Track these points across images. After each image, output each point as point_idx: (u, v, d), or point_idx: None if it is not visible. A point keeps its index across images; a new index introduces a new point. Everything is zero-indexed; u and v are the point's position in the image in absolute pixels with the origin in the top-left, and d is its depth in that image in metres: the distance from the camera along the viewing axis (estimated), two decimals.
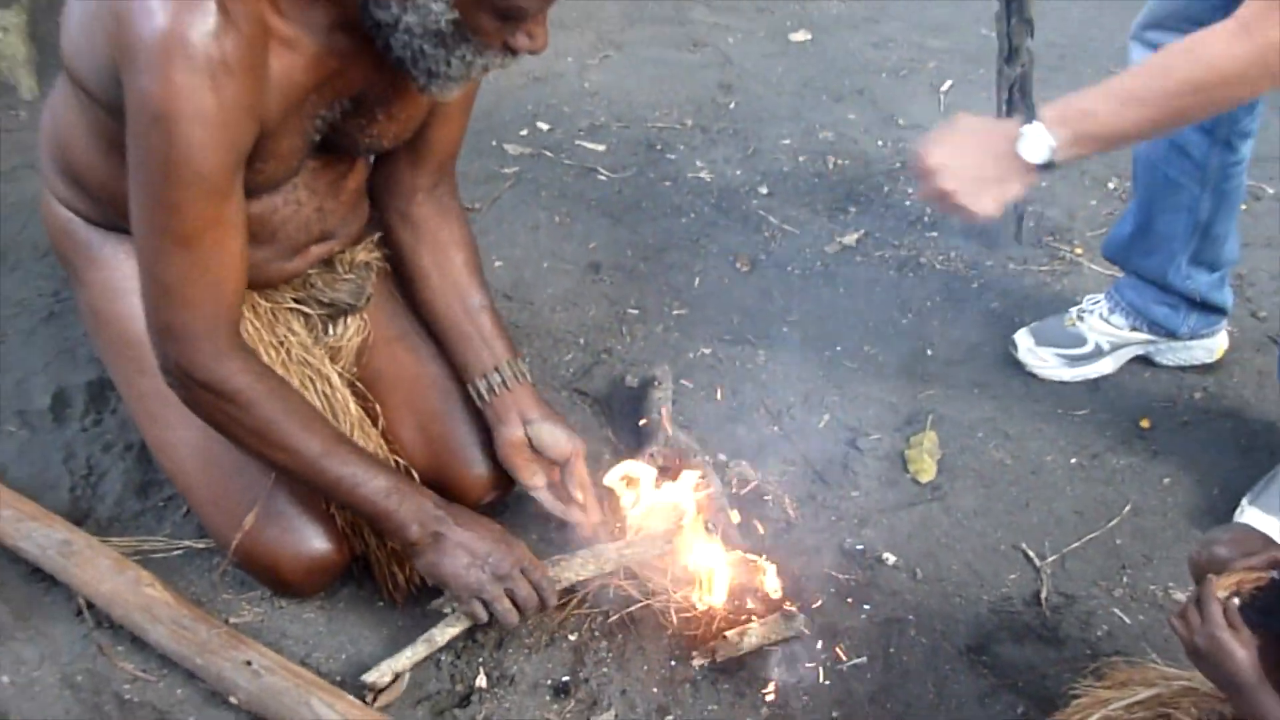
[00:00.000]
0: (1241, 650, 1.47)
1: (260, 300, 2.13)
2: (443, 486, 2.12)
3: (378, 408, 2.18)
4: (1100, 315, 2.61)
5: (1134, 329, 2.59)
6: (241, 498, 2.00)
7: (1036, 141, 1.77)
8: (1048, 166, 1.79)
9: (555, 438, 2.15)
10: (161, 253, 1.76)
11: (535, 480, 2.14)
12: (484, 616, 1.89)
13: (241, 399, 1.83)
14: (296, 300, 2.15)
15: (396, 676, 1.92)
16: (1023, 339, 2.64)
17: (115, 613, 2.00)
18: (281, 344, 2.10)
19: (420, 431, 2.19)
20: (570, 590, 2.04)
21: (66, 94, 1.97)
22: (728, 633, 1.97)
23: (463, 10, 1.67)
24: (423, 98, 1.93)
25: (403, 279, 2.26)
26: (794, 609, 2.02)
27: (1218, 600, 1.50)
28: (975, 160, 1.85)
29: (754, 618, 2.01)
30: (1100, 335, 2.61)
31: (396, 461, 2.11)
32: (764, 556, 2.11)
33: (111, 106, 1.78)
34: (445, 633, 1.96)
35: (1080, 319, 2.63)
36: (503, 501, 2.26)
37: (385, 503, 1.88)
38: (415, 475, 2.10)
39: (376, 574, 2.11)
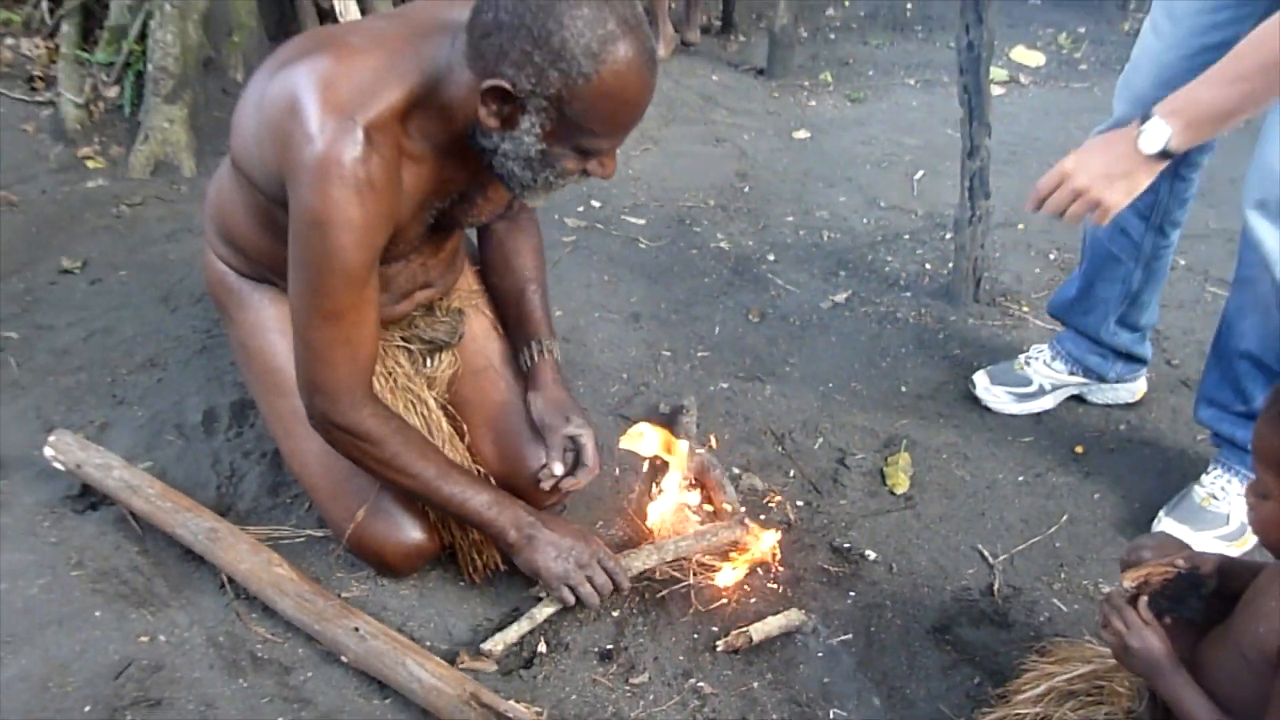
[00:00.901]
0: (1157, 642, 1.47)
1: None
2: (514, 493, 2.12)
3: (464, 427, 2.20)
4: (1044, 361, 2.62)
5: (1071, 373, 2.60)
6: (354, 497, 2.04)
7: (1154, 134, 1.76)
8: (1166, 155, 1.77)
9: (538, 409, 2.16)
10: (312, 325, 1.81)
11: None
12: (571, 600, 1.92)
13: (372, 438, 1.88)
14: (403, 338, 2.18)
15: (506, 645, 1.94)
16: (980, 379, 2.65)
17: (250, 587, 2.02)
18: (390, 374, 2.14)
19: (496, 447, 2.20)
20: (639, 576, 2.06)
21: (231, 179, 2.01)
22: (749, 628, 1.97)
23: (549, 145, 1.71)
24: None
25: (484, 270, 2.31)
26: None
27: (1128, 608, 1.49)
28: (1103, 159, 1.84)
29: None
30: (1043, 377, 2.62)
31: (479, 471, 2.13)
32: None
33: (273, 197, 1.84)
34: (543, 611, 1.98)
35: (1027, 364, 2.64)
36: (562, 504, 2.28)
37: (488, 513, 1.92)
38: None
39: (460, 559, 2.12)
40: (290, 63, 1.76)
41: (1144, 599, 1.52)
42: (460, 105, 1.72)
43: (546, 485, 2.11)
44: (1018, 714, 1.71)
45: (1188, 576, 1.53)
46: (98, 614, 2.03)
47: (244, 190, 1.96)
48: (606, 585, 1.94)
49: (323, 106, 1.68)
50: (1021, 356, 2.68)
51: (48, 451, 2.22)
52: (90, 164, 3.78)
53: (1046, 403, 2.64)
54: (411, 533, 2.04)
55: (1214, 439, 2.36)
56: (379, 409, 1.91)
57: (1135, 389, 2.66)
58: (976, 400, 2.63)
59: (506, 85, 1.63)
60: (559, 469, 2.09)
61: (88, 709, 1.86)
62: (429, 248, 2.09)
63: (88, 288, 3.05)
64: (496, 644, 1.92)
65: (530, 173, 1.77)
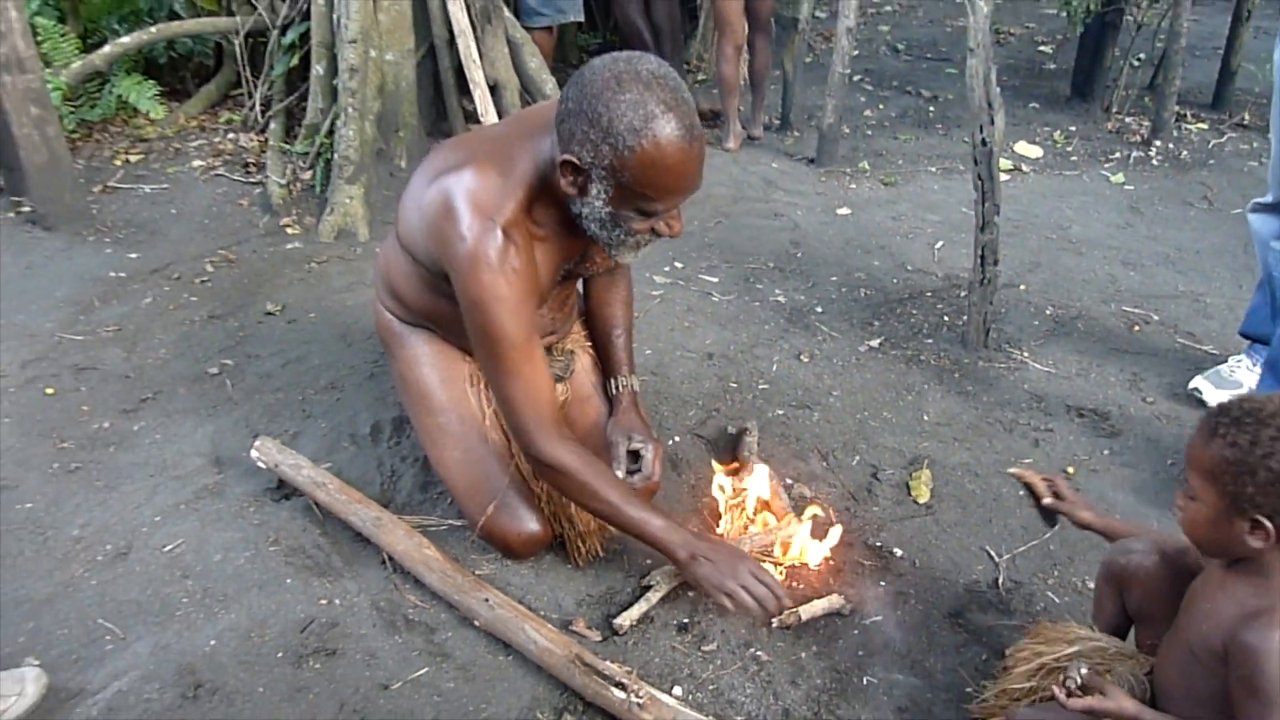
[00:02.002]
0: (1117, 703, 1.39)
1: None
2: None
3: None
4: (1246, 367, 2.64)
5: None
6: (485, 495, 2.06)
7: None
8: None
9: (611, 429, 2.17)
10: (499, 384, 1.88)
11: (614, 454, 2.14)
12: (729, 606, 1.83)
13: (569, 470, 1.87)
14: None
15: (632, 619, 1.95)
16: (1204, 386, 2.66)
17: (406, 564, 2.05)
18: None
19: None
20: None
21: (397, 253, 2.07)
22: (798, 609, 1.95)
23: (615, 208, 1.73)
24: None
25: (585, 316, 2.32)
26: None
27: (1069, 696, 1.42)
28: None
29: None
30: (1250, 380, 2.62)
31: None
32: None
33: (434, 271, 1.92)
34: (657, 594, 1.98)
35: (1233, 371, 2.65)
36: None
37: (663, 535, 1.88)
38: None
39: (568, 547, 2.12)
40: (443, 173, 1.82)
41: (1083, 671, 1.44)
42: (560, 186, 1.76)
43: None
44: (1014, 687, 1.67)
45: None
46: (288, 581, 2.07)
47: (408, 263, 2.02)
48: (766, 596, 1.83)
49: (470, 212, 1.76)
50: (1224, 367, 2.67)
51: (253, 454, 2.28)
52: (289, 231, 3.88)
53: None
54: (531, 524, 2.05)
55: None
56: (573, 445, 1.89)
57: None
58: (987, 427, 2.58)
59: (574, 159, 1.68)
60: (619, 473, 2.08)
61: (280, 655, 1.89)
62: (555, 302, 2.12)
63: (285, 326, 3.12)
64: (625, 619, 1.93)
65: (606, 232, 1.79)
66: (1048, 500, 1.76)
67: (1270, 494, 1.26)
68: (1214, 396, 2.60)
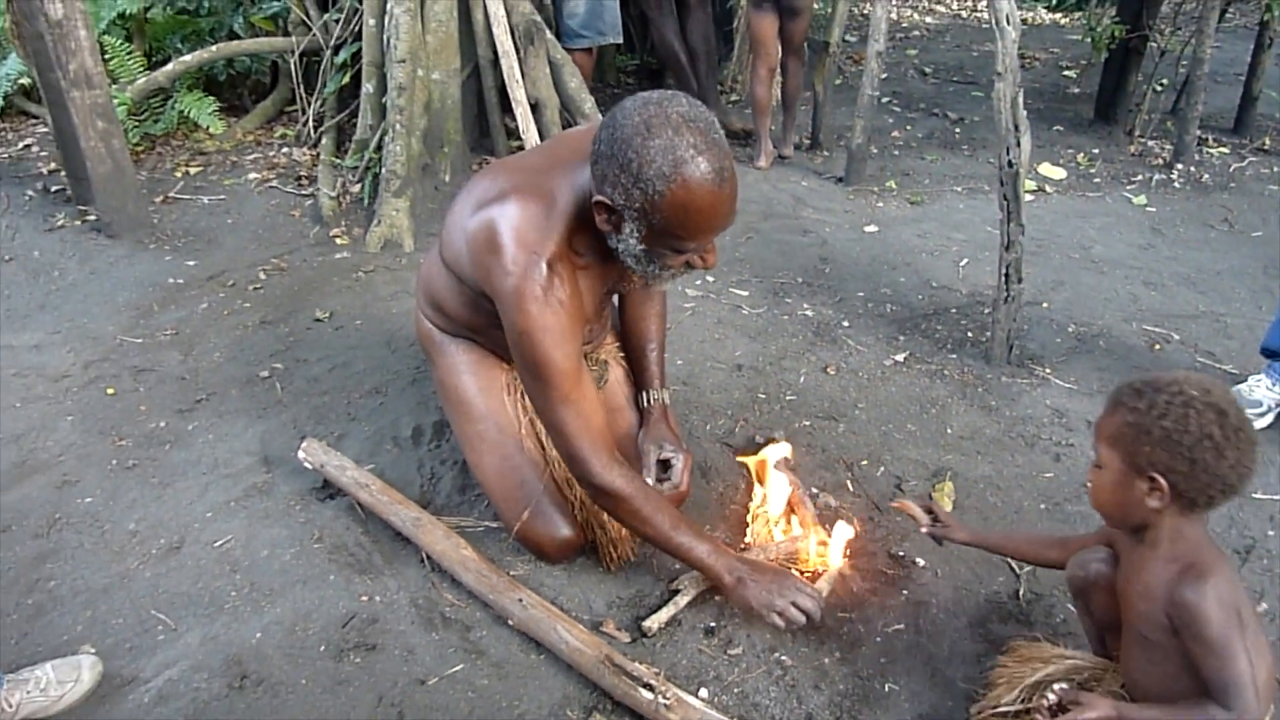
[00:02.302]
0: (1096, 712, 1.44)
1: None
2: None
3: None
4: (1266, 386, 2.58)
5: None
6: (521, 501, 2.05)
7: None
8: None
9: (642, 439, 2.16)
10: (550, 411, 1.84)
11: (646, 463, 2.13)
12: (781, 624, 1.82)
13: (622, 495, 1.85)
14: None
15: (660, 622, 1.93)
16: None
17: (443, 563, 2.05)
18: None
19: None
20: None
21: (440, 268, 2.07)
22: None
23: (648, 246, 1.72)
24: None
25: (620, 330, 2.29)
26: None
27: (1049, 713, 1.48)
28: None
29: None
30: (1269, 398, 2.57)
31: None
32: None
33: (476, 290, 1.92)
34: (685, 598, 1.97)
35: (1252, 390, 2.59)
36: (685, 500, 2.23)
37: (708, 560, 1.87)
38: None
39: (600, 552, 2.11)
40: (486, 204, 1.81)
41: (1058, 688, 1.52)
42: (597, 223, 1.75)
43: None
44: (993, 709, 1.67)
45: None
46: (331, 577, 2.07)
47: (452, 280, 2.03)
48: (812, 609, 1.83)
49: (515, 246, 1.75)
50: (1244, 386, 2.60)
51: (300, 454, 2.29)
52: (338, 241, 3.91)
53: (1269, 418, 2.58)
54: (564, 530, 2.04)
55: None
56: (626, 470, 1.86)
57: None
58: (1008, 441, 2.54)
59: (607, 200, 1.66)
60: (649, 481, 2.06)
61: (322, 648, 1.90)
62: (594, 316, 2.10)
63: (333, 332, 3.14)
64: (654, 622, 1.91)
65: (641, 266, 1.78)
66: (925, 528, 1.90)
67: (1163, 451, 1.35)
68: None
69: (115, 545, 2.18)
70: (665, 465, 2.14)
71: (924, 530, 1.90)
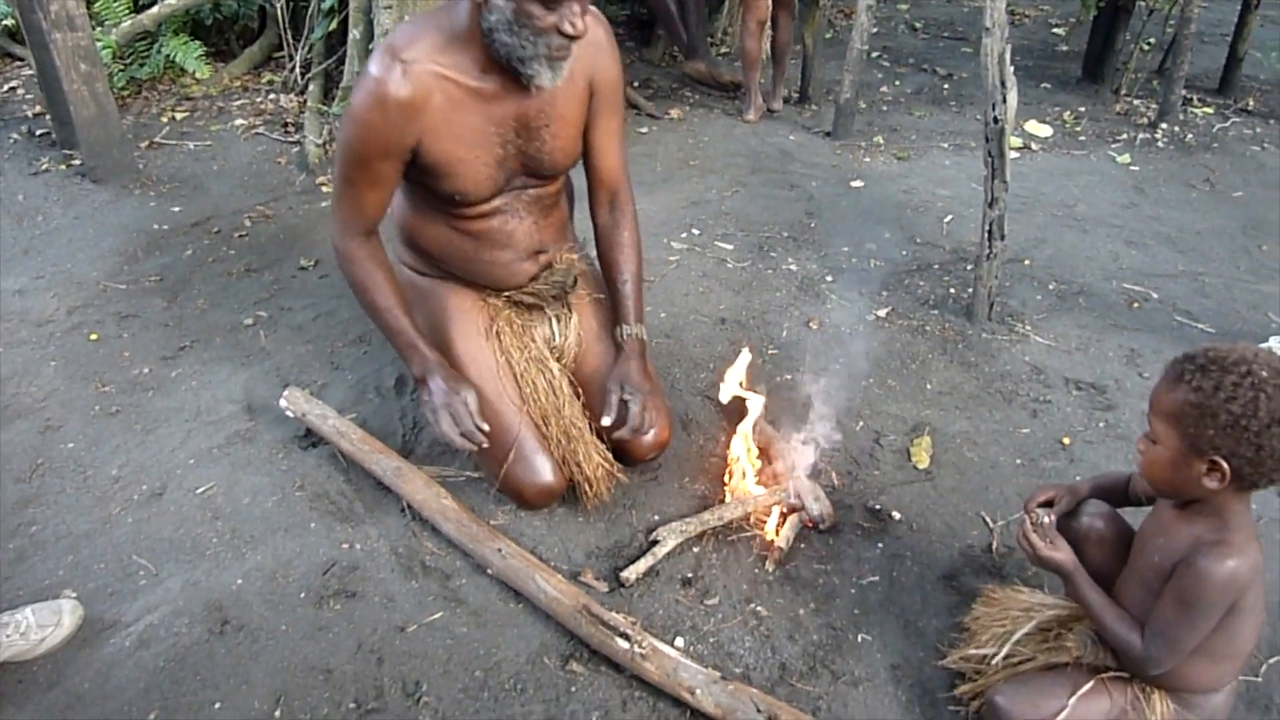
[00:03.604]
0: (1061, 554, 1.50)
1: (515, 317, 2.15)
2: (624, 446, 2.09)
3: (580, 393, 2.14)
4: None
5: None
6: (500, 446, 2.01)
7: None
8: None
9: (610, 386, 2.06)
10: (336, 180, 1.93)
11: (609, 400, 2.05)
12: (436, 431, 1.91)
13: (351, 259, 1.96)
14: (535, 295, 2.15)
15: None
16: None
17: (424, 512, 2.02)
18: (525, 348, 2.12)
19: (593, 403, 2.12)
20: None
21: (400, 189, 2.08)
22: (776, 542, 1.97)
23: (516, 2, 1.70)
24: (568, 115, 1.95)
25: (598, 255, 2.23)
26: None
27: (1033, 532, 1.53)
28: None
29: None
30: None
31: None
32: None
33: (409, 169, 1.93)
34: (663, 549, 1.95)
35: (1274, 349, 2.52)
36: (659, 461, 2.22)
37: (408, 350, 1.97)
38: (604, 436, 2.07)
39: (579, 492, 2.07)
40: None
41: (1051, 518, 1.55)
42: (472, 20, 1.77)
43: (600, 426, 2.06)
44: (976, 652, 1.67)
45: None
46: (313, 525, 2.05)
47: (405, 192, 2.07)
48: (451, 432, 1.90)
49: (380, 51, 1.80)
50: (1265, 346, 2.53)
51: (282, 403, 2.25)
52: (324, 189, 3.82)
53: None
54: (545, 476, 2.01)
55: None
56: (366, 247, 1.96)
57: None
58: (988, 397, 2.52)
59: None
60: (606, 421, 2.02)
61: (302, 595, 1.88)
62: (537, 209, 2.07)
63: (318, 281, 3.08)
64: (632, 572, 1.90)
65: (515, 38, 1.74)
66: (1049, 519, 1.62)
67: (1229, 436, 1.27)
68: None
69: (97, 491, 2.15)
70: (626, 406, 2.06)
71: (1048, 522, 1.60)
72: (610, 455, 2.08)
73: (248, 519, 2.07)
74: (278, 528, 2.04)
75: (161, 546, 1.99)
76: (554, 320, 2.18)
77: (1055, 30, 6.75)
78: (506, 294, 2.14)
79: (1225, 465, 1.29)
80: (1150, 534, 1.48)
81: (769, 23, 4.78)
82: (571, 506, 2.10)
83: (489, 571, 1.91)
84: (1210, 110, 4.98)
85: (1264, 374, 1.26)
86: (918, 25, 6.84)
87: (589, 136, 2.05)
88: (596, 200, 2.16)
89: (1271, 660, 1.77)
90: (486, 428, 1.93)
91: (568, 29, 1.73)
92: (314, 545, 1.99)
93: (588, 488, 2.06)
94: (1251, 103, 5.08)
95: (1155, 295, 3.08)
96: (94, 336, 2.73)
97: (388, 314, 1.96)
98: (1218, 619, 1.35)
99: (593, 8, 1.93)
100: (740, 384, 2.34)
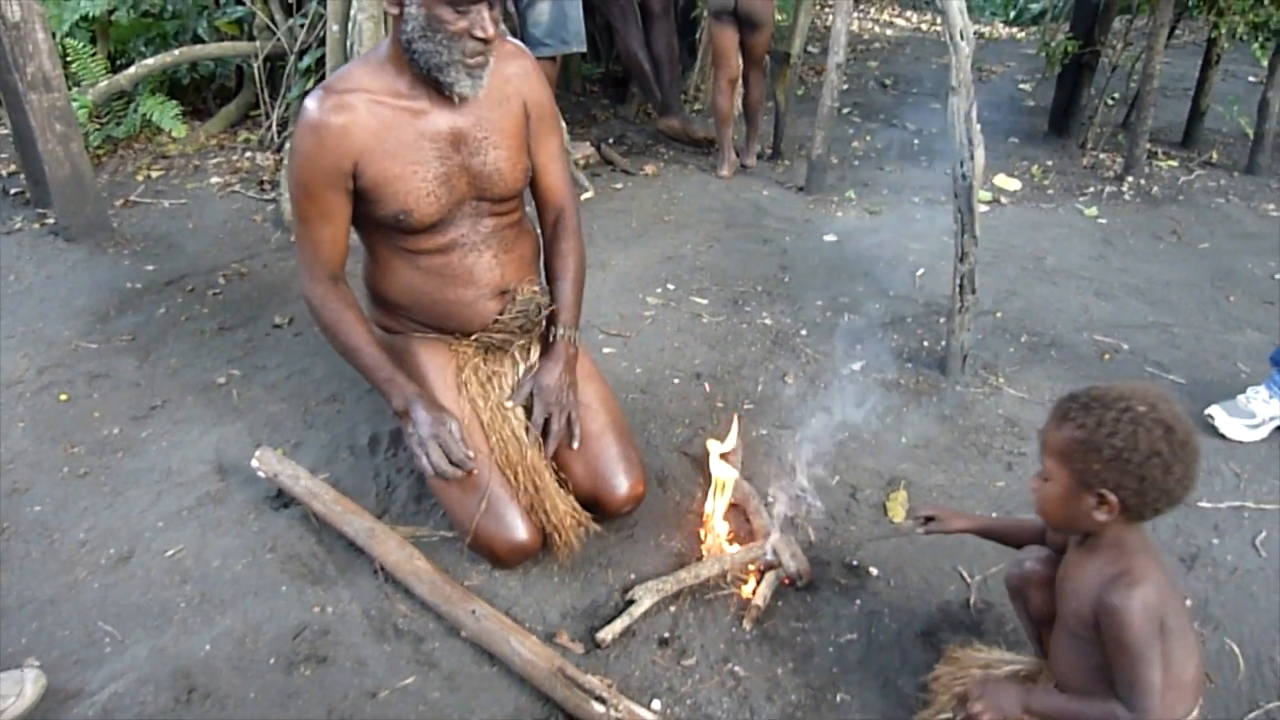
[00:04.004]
0: (1010, 699, 1.48)
1: (482, 364, 2.16)
2: (599, 506, 2.10)
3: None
4: (1263, 399, 2.56)
5: None
6: (473, 504, 2.00)
7: None
8: None
9: (524, 380, 2.15)
10: (294, 223, 2.03)
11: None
12: (425, 467, 1.94)
13: (319, 305, 2.02)
14: (502, 330, 2.16)
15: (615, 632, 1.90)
16: (1218, 414, 2.57)
17: (396, 574, 2.00)
18: (488, 396, 2.14)
19: (587, 470, 2.12)
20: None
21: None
22: (753, 600, 1.96)
23: (427, 8, 1.78)
24: (508, 129, 2.01)
25: (544, 266, 2.28)
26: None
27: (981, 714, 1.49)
28: None
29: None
30: (1264, 411, 2.55)
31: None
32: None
33: (363, 206, 2.00)
34: (639, 609, 1.93)
35: (1249, 401, 2.58)
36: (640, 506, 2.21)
37: (386, 386, 2.00)
38: (572, 495, 2.09)
39: (549, 541, 2.05)
40: None
41: (922, 530, 1.78)
42: (395, 41, 1.86)
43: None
44: (936, 715, 1.67)
45: None
46: (283, 588, 2.02)
47: (364, 237, 2.12)
48: (441, 463, 1.93)
49: (316, 91, 1.90)
50: (1242, 397, 2.59)
51: (254, 463, 2.23)
52: None
53: (1263, 431, 2.56)
54: (518, 534, 1.99)
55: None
56: (334, 290, 2.01)
57: None
58: (962, 451, 2.53)
59: None
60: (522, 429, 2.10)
61: (272, 660, 1.85)
62: (495, 241, 2.09)
63: (292, 339, 3.08)
64: (608, 633, 1.88)
65: (431, 44, 1.81)
66: (921, 529, 1.83)
67: (1113, 469, 1.35)
68: (1226, 424, 2.56)
69: (64, 555, 2.11)
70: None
71: (921, 531, 1.82)
72: (577, 504, 2.08)
73: (217, 582, 2.04)
74: (248, 591, 2.01)
75: (128, 612, 1.96)
76: (520, 364, 2.20)
77: (1022, 86, 6.92)
78: (474, 336, 2.16)
79: (1113, 497, 1.36)
80: (1063, 579, 1.51)
81: (740, 80, 4.88)
82: (546, 566, 2.09)
83: (463, 634, 1.88)
84: (1175, 163, 5.10)
85: (1141, 409, 1.34)
86: (887, 82, 6.99)
87: (532, 157, 2.13)
88: (544, 220, 2.25)
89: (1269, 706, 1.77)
90: (473, 454, 1.97)
91: (478, 33, 1.81)
92: (285, 609, 1.96)
93: (557, 536, 2.05)
94: (1215, 155, 5.21)
95: (1126, 346, 3.13)
96: (64, 396, 2.71)
97: (361, 352, 2.01)
98: (1168, 641, 1.38)
99: (517, 41, 2.03)
100: (723, 455, 2.32)
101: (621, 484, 2.10)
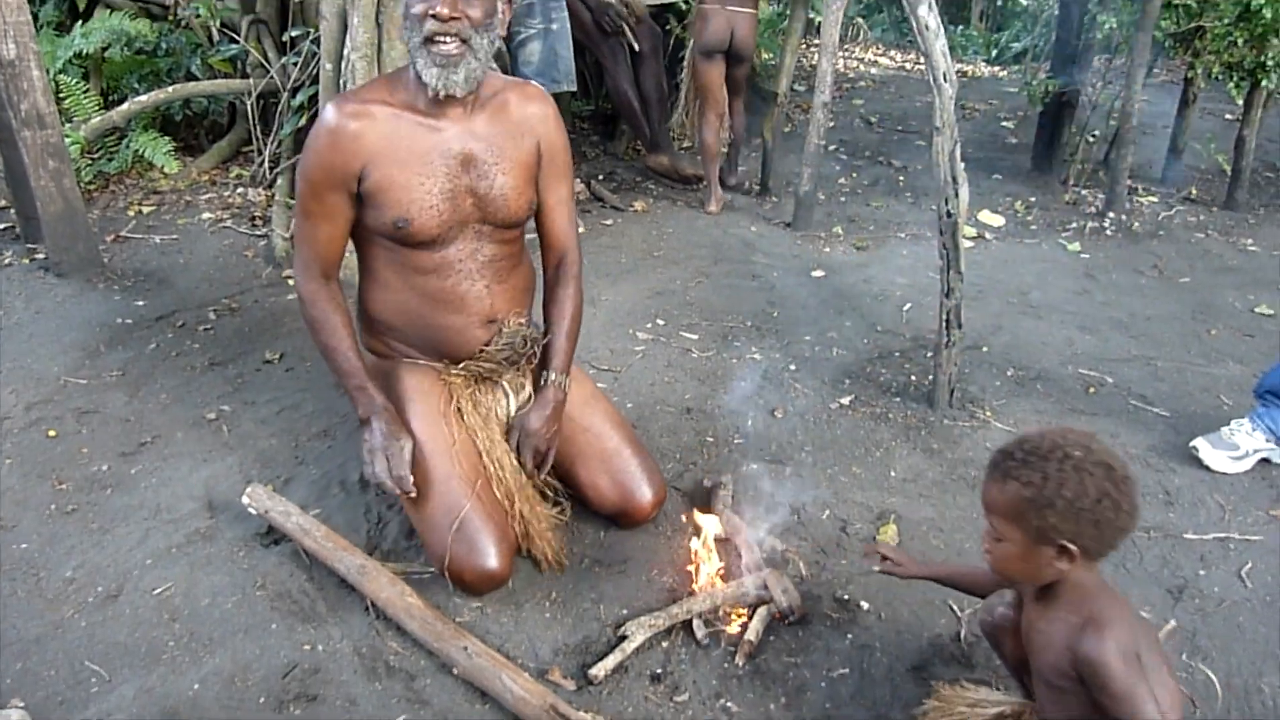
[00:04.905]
0: None
1: (478, 395, 2.19)
2: (624, 517, 2.24)
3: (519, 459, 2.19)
4: (1246, 431, 2.59)
5: (1266, 440, 2.58)
6: (446, 530, 2.01)
7: None
8: None
9: (515, 423, 2.19)
10: (296, 218, 2.08)
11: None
12: (367, 473, 2.03)
13: (309, 300, 2.08)
14: (490, 360, 2.18)
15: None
16: (1202, 445, 2.60)
17: (388, 611, 1.99)
18: (487, 426, 2.17)
19: (613, 482, 2.23)
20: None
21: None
22: (745, 636, 1.96)
23: (405, 3, 1.90)
24: (518, 158, 2.06)
25: (543, 309, 2.30)
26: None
27: None
28: None
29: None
30: (1247, 443, 2.57)
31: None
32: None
33: (359, 211, 2.05)
34: (632, 644, 1.92)
35: (1233, 434, 2.60)
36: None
37: (358, 393, 2.07)
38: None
39: (538, 564, 2.14)
40: None
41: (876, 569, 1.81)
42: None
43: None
44: None
45: None
46: (274, 626, 2.01)
47: (359, 250, 2.16)
48: (380, 475, 2.00)
49: (335, 99, 1.99)
50: (1225, 429, 2.61)
51: (245, 499, 2.22)
52: (290, 282, 3.83)
53: (1247, 463, 2.58)
54: (487, 561, 2.00)
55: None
56: (325, 289, 2.07)
57: None
58: (951, 484, 2.54)
59: None
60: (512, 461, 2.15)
61: (262, 700, 1.83)
62: (490, 271, 2.12)
63: (283, 374, 3.08)
64: (600, 669, 1.87)
65: (407, 34, 1.91)
66: (877, 567, 1.86)
67: (1069, 520, 1.36)
68: (1210, 455, 2.58)
69: (50, 593, 2.09)
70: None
71: (876, 569, 1.87)
72: (552, 537, 2.16)
73: (206, 621, 2.02)
74: (237, 629, 1.99)
75: (115, 651, 1.94)
76: (510, 395, 2.22)
77: (1005, 124, 7.02)
78: (462, 365, 2.17)
79: (1072, 546, 1.38)
80: (1028, 631, 1.51)
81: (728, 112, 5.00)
82: (538, 601, 2.08)
83: (455, 671, 1.87)
84: (1155, 199, 5.17)
85: (1078, 454, 1.36)
86: (873, 120, 7.09)
87: (541, 199, 2.17)
88: (547, 262, 2.28)
89: None
90: (411, 478, 2.01)
91: (434, 10, 1.85)
92: (275, 647, 1.95)
93: (545, 553, 2.11)
94: (1194, 191, 5.29)
95: (1110, 380, 3.16)
96: (52, 433, 2.69)
97: (340, 354, 2.07)
98: (1150, 675, 1.35)
99: (537, 84, 2.08)
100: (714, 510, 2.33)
101: (646, 493, 2.23)
